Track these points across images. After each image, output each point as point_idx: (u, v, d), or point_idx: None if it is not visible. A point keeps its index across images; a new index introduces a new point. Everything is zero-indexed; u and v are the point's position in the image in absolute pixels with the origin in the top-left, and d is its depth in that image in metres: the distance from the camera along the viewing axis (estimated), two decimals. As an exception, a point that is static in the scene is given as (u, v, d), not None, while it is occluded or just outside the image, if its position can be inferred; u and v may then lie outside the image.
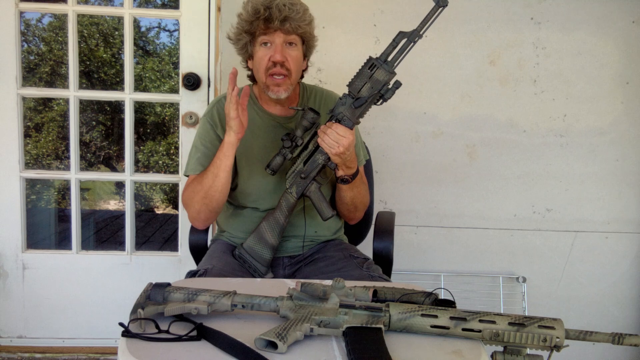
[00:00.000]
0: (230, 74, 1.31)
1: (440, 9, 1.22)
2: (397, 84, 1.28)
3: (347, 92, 1.31)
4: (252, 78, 1.53)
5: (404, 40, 1.25)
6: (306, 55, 1.49)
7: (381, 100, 1.30)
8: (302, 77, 1.54)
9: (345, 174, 1.40)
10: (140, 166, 4.80)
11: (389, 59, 1.27)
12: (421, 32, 1.25)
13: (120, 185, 4.77)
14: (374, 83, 1.28)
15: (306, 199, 1.44)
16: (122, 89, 2.13)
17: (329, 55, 2.10)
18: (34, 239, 2.52)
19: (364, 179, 1.54)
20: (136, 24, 4.88)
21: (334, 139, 1.29)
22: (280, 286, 1.13)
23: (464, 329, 0.85)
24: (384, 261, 1.53)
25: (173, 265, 2.21)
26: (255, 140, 1.48)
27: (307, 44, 1.48)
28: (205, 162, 1.46)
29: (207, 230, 1.62)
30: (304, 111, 1.37)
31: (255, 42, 1.42)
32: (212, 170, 1.38)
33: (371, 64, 1.27)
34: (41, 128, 4.67)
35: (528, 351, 0.84)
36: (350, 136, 1.29)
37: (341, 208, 1.55)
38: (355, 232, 1.72)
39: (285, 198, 1.41)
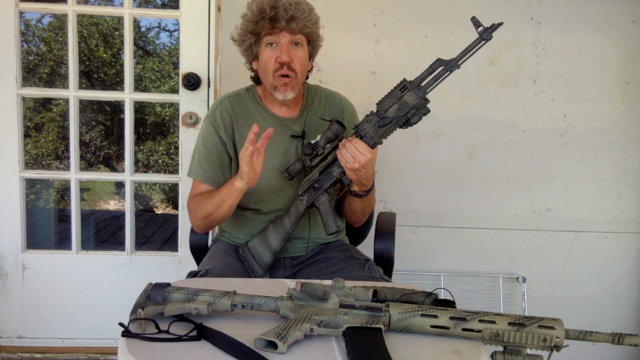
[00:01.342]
0: (252, 133, 1.23)
1: (483, 42, 1.20)
2: (426, 110, 1.25)
3: (375, 110, 1.29)
4: (255, 79, 1.53)
5: (440, 68, 1.22)
6: (311, 55, 1.49)
7: (406, 125, 1.28)
8: (306, 77, 1.54)
9: (359, 190, 1.40)
10: (140, 166, 4.80)
11: (422, 84, 1.25)
12: (459, 63, 1.22)
13: (120, 185, 4.77)
14: (402, 105, 1.25)
15: (313, 209, 1.44)
16: (122, 89, 2.13)
17: (329, 55, 2.09)
18: (34, 239, 2.51)
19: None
20: (136, 24, 4.87)
21: (351, 154, 1.28)
22: (280, 286, 1.13)
23: (464, 329, 0.85)
24: (384, 262, 1.53)
25: (173, 265, 2.21)
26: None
27: (313, 44, 1.47)
28: (205, 165, 1.47)
29: (207, 230, 1.62)
30: (330, 122, 1.36)
31: (260, 42, 1.40)
32: (217, 199, 1.38)
33: (403, 86, 1.25)
34: (41, 128, 4.67)
35: (528, 351, 0.84)
36: (369, 154, 1.27)
37: (349, 215, 1.55)
38: (356, 233, 1.72)
39: (296, 205, 1.41)
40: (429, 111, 1.26)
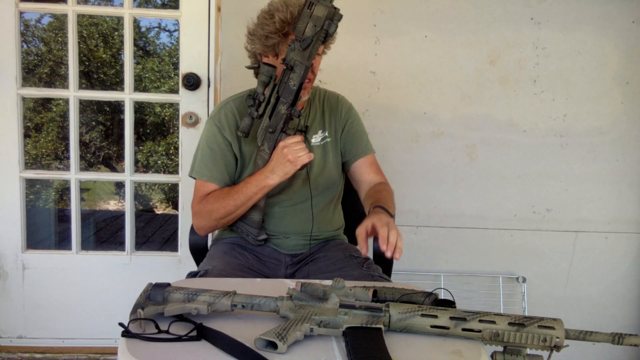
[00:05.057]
0: None
1: None
2: (339, 16, 1.28)
3: (294, 39, 1.30)
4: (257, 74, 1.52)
5: None
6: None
7: (327, 37, 1.30)
8: None
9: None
10: (140, 166, 4.80)
11: None
12: None
13: (120, 185, 4.77)
14: (316, 21, 1.27)
15: (307, 200, 1.43)
16: (122, 89, 2.13)
17: (328, 55, 2.08)
18: (34, 239, 2.51)
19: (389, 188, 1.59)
20: (136, 24, 4.88)
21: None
22: (280, 286, 1.13)
23: (464, 329, 0.85)
24: (384, 261, 1.53)
25: (173, 266, 2.21)
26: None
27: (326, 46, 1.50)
28: (211, 164, 1.46)
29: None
30: (259, 67, 1.35)
31: (287, 43, 1.36)
32: (239, 199, 1.39)
33: (309, 3, 1.27)
34: (41, 128, 4.67)
35: (528, 351, 0.84)
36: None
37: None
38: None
39: (260, 156, 1.41)
40: (342, 16, 1.28)
